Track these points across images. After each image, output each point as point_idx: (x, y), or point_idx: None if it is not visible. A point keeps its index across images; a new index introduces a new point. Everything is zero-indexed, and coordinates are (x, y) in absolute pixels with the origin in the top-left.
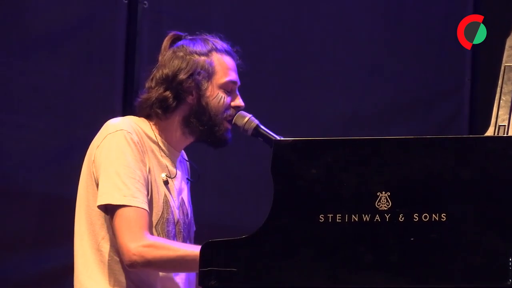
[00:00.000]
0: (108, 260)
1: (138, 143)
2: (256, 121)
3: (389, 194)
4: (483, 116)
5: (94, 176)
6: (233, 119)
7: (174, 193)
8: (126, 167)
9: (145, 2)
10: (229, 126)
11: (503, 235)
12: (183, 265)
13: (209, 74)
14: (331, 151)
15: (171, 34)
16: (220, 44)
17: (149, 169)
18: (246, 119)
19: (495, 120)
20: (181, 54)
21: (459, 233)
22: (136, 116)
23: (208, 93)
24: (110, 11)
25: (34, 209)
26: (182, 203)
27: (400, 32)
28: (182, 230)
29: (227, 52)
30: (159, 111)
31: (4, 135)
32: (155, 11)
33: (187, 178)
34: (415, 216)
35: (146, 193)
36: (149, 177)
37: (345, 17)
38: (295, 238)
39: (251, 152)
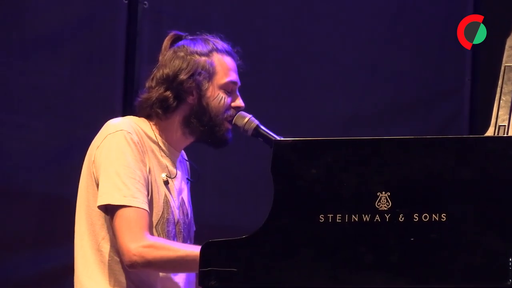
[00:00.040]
0: (108, 260)
1: (138, 143)
2: (256, 122)
3: (389, 194)
4: (483, 116)
5: (94, 176)
6: (233, 119)
7: (174, 193)
8: (126, 167)
9: (145, 2)
10: (230, 126)
11: (503, 235)
12: (183, 265)
13: (210, 74)
14: (331, 151)
15: (171, 34)
16: (220, 44)
17: (149, 169)
18: (246, 119)
19: (495, 120)
20: (182, 54)
21: (459, 233)
22: (137, 116)
23: (208, 94)
24: (110, 11)
25: (34, 209)
26: (182, 203)
27: (400, 32)
28: (182, 230)
29: (228, 53)
30: (159, 111)
31: (4, 135)
32: (155, 11)
33: (187, 178)
34: (415, 216)
35: (146, 193)
36: (149, 177)
37: (345, 17)
38: (295, 238)
39: (251, 152)
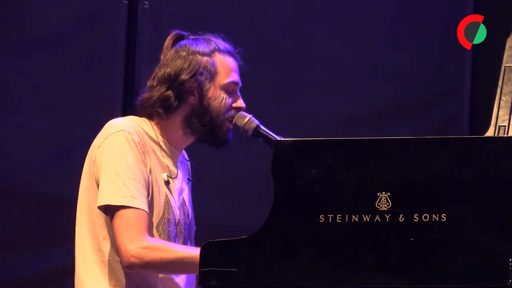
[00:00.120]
0: (109, 260)
1: (139, 143)
2: (256, 122)
3: (389, 194)
4: (483, 117)
5: (95, 176)
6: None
7: (175, 193)
8: (127, 168)
9: (145, 2)
10: (231, 126)
11: (503, 235)
12: (181, 267)
13: (211, 74)
14: (331, 151)
15: (173, 33)
16: (222, 44)
17: (150, 169)
18: (246, 119)
19: (495, 120)
20: (184, 54)
21: (459, 233)
22: (138, 115)
23: (210, 94)
24: (110, 11)
25: (34, 209)
26: (183, 204)
27: (400, 32)
28: (183, 231)
29: (230, 53)
30: (160, 110)
31: (4, 135)
32: (155, 11)
33: (188, 178)
34: (415, 217)
35: (146, 194)
36: (150, 178)
37: (345, 17)
38: (295, 238)
39: (252, 152)
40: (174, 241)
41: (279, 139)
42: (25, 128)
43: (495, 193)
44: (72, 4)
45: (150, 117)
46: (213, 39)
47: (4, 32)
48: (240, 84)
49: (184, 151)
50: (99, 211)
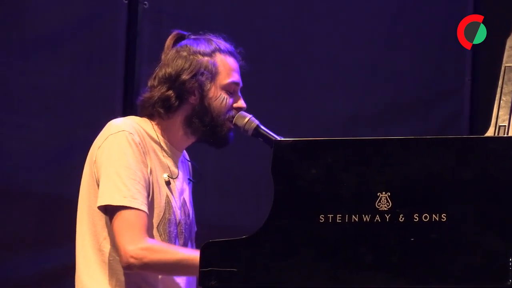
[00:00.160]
0: (110, 260)
1: (139, 144)
2: (256, 122)
3: (389, 194)
4: (483, 117)
5: (95, 176)
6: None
7: (176, 194)
8: (127, 168)
9: (145, 2)
10: (231, 127)
11: (503, 235)
12: (180, 269)
13: (212, 75)
14: (331, 151)
15: (174, 33)
16: (223, 44)
17: (150, 170)
18: (247, 119)
19: (495, 120)
20: (185, 53)
21: (459, 233)
22: (138, 115)
23: (210, 94)
24: (110, 11)
25: (34, 209)
26: (183, 204)
27: (400, 32)
28: (183, 231)
29: (231, 53)
30: (161, 110)
31: (4, 135)
32: (155, 11)
33: (189, 179)
34: (415, 217)
35: (146, 194)
36: (151, 178)
37: (345, 17)
38: (295, 239)
39: (252, 152)
40: (175, 242)
41: (279, 139)
42: (25, 128)
43: (495, 193)
44: (72, 4)
45: (151, 117)
46: (214, 39)
47: (4, 32)
48: (241, 84)
49: (185, 151)
50: (100, 211)
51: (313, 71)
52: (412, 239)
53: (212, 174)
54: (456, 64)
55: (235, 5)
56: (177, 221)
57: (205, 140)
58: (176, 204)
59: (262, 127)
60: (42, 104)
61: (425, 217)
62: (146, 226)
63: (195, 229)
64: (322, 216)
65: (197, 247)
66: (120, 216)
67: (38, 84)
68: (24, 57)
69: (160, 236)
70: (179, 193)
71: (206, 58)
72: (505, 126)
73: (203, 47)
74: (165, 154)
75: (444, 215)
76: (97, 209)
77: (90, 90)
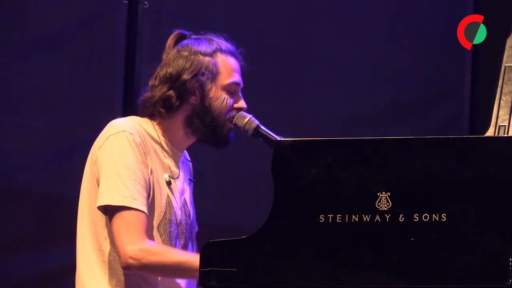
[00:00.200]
0: (110, 260)
1: (140, 144)
2: (256, 122)
3: (389, 194)
4: (483, 116)
5: (96, 176)
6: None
7: (177, 194)
8: (127, 169)
9: (145, 2)
10: (232, 127)
11: (503, 235)
12: (179, 271)
13: (213, 75)
14: (331, 151)
15: (175, 32)
16: (224, 44)
17: (151, 170)
18: (247, 119)
19: (495, 120)
20: (186, 53)
21: (459, 233)
22: (139, 114)
23: (211, 94)
24: (110, 11)
25: (34, 209)
26: (184, 204)
27: (400, 32)
28: (184, 231)
29: (232, 53)
30: (162, 110)
31: (4, 135)
32: (155, 11)
33: (190, 179)
34: (415, 216)
35: (146, 195)
36: (151, 178)
37: (345, 17)
38: (295, 239)
39: (252, 152)
40: (176, 242)
41: (279, 139)
42: (25, 128)
43: (495, 193)
44: (72, 4)
45: (151, 117)
46: (215, 39)
47: (4, 32)
48: (242, 84)
49: (185, 152)
50: (100, 211)
51: (313, 71)
52: (412, 239)
53: (212, 174)
54: (456, 64)
55: (235, 5)
56: (178, 221)
57: (205, 140)
58: (177, 204)
59: (262, 127)
60: (42, 104)
61: (425, 217)
62: (146, 226)
63: (196, 229)
64: (322, 216)
65: (198, 247)
66: (120, 216)
67: (38, 84)
68: (24, 57)
69: (160, 236)
70: (180, 193)
71: (207, 58)
72: (505, 126)
73: (204, 47)
74: (166, 154)
75: (444, 215)
76: (97, 209)
77: (90, 90)
